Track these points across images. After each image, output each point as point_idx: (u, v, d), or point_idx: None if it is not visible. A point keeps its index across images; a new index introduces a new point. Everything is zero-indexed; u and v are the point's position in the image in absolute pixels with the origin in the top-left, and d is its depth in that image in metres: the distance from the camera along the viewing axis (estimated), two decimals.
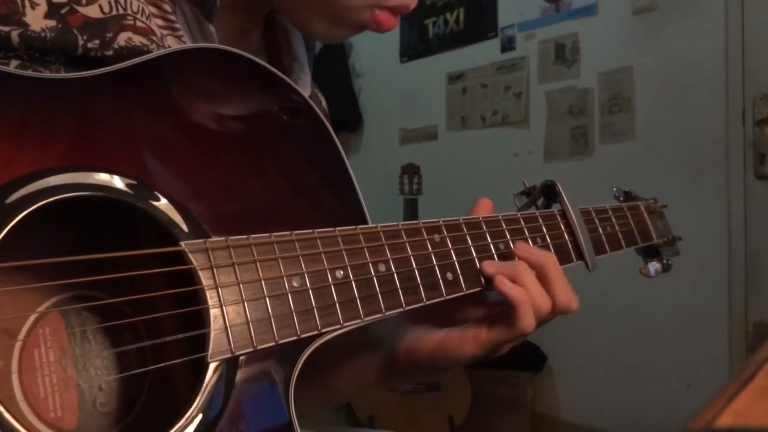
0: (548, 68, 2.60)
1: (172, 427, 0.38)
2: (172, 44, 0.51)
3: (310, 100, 0.48)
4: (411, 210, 2.57)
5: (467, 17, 2.86)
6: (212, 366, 0.39)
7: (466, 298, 0.55)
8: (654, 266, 0.75)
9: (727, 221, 2.13)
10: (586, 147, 2.48)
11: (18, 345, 0.39)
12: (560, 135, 2.55)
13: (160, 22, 0.51)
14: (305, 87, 0.67)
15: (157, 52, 0.43)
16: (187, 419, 0.38)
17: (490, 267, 0.54)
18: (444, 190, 2.76)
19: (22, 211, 0.35)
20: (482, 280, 0.54)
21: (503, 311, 0.53)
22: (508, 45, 2.73)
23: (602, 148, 2.43)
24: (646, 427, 2.21)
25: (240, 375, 0.41)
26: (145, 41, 0.48)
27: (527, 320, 0.52)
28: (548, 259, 0.55)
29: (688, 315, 2.18)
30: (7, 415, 0.33)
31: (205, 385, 0.39)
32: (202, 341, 0.40)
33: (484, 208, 0.60)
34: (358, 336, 0.59)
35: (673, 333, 2.21)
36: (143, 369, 0.43)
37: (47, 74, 0.41)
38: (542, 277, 0.54)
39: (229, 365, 0.40)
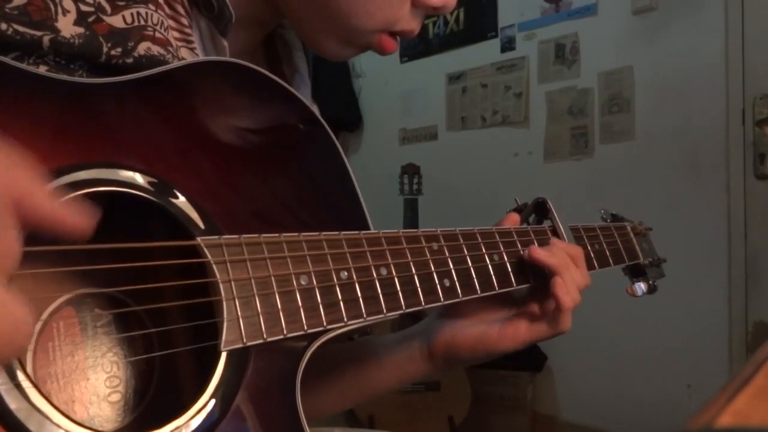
0: (548, 68, 2.60)
1: (186, 411, 0.39)
2: (186, 56, 0.54)
3: (318, 115, 0.51)
4: (411, 210, 2.57)
5: (467, 17, 2.86)
6: (224, 355, 0.41)
7: (495, 297, 0.61)
8: (640, 286, 0.79)
9: (727, 221, 2.13)
10: (586, 147, 2.48)
11: (33, 337, 0.41)
12: (560, 135, 2.55)
13: (176, 34, 0.54)
14: (305, 98, 0.69)
15: (179, 62, 0.46)
16: (201, 404, 0.40)
17: (539, 255, 0.59)
18: (444, 190, 2.76)
19: None
20: (512, 280, 0.60)
21: (544, 312, 0.60)
22: (508, 45, 2.73)
23: (602, 148, 2.44)
24: (646, 427, 2.21)
25: (251, 366, 0.43)
26: (162, 51, 0.50)
27: (568, 322, 0.59)
28: (579, 251, 0.62)
29: (688, 315, 2.18)
30: (35, 393, 0.34)
31: (217, 373, 0.41)
32: (209, 335, 0.42)
33: (511, 223, 0.66)
34: (394, 330, 0.65)
35: (673, 333, 2.21)
36: (154, 354, 0.45)
37: (76, 78, 0.43)
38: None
39: (240, 356, 0.42)
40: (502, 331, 0.60)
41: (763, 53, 2.07)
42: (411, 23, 0.61)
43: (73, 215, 0.32)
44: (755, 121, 2.08)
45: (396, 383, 0.66)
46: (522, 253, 0.61)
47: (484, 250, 0.58)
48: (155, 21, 0.50)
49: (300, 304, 0.44)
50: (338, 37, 0.60)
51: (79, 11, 0.46)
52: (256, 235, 0.44)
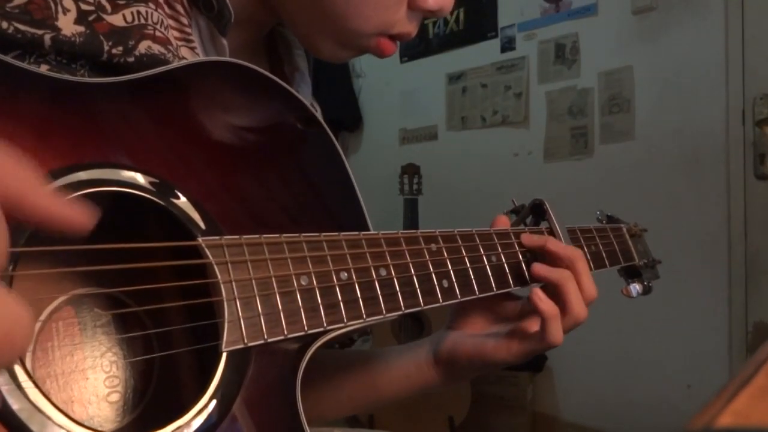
0: (548, 68, 2.60)
1: (187, 411, 0.39)
2: (186, 54, 0.54)
3: (317, 115, 0.51)
4: (411, 210, 2.57)
5: (467, 17, 2.86)
6: (224, 356, 0.41)
7: (499, 311, 0.64)
8: (635, 287, 0.79)
9: (727, 221, 2.13)
10: (586, 147, 2.48)
11: (32, 336, 0.40)
12: (560, 135, 2.55)
13: (176, 33, 0.54)
14: (306, 97, 0.69)
15: (180, 63, 0.46)
16: (202, 405, 0.40)
17: (540, 269, 0.60)
18: (444, 190, 2.77)
19: None
20: (494, 284, 0.60)
21: (534, 324, 0.60)
22: (508, 45, 2.73)
23: (602, 148, 2.44)
24: (646, 427, 2.21)
25: (251, 367, 0.43)
26: (163, 50, 0.50)
27: (556, 334, 0.58)
28: (578, 253, 0.62)
29: (688, 315, 2.18)
30: (36, 392, 0.34)
31: (218, 373, 0.41)
32: (209, 336, 0.42)
33: (501, 225, 0.66)
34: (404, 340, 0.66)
35: (673, 333, 2.21)
36: (155, 355, 0.45)
37: (78, 78, 0.43)
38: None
39: (241, 357, 0.42)
40: (498, 343, 0.61)
41: (763, 53, 2.07)
42: (408, 26, 0.60)
43: (72, 211, 0.31)
44: (755, 121, 2.08)
45: (402, 390, 0.66)
46: (519, 254, 0.62)
47: (482, 252, 0.59)
48: (155, 20, 0.50)
49: (300, 304, 0.44)
50: (335, 40, 0.60)
51: (79, 10, 0.46)
52: (257, 236, 0.44)
